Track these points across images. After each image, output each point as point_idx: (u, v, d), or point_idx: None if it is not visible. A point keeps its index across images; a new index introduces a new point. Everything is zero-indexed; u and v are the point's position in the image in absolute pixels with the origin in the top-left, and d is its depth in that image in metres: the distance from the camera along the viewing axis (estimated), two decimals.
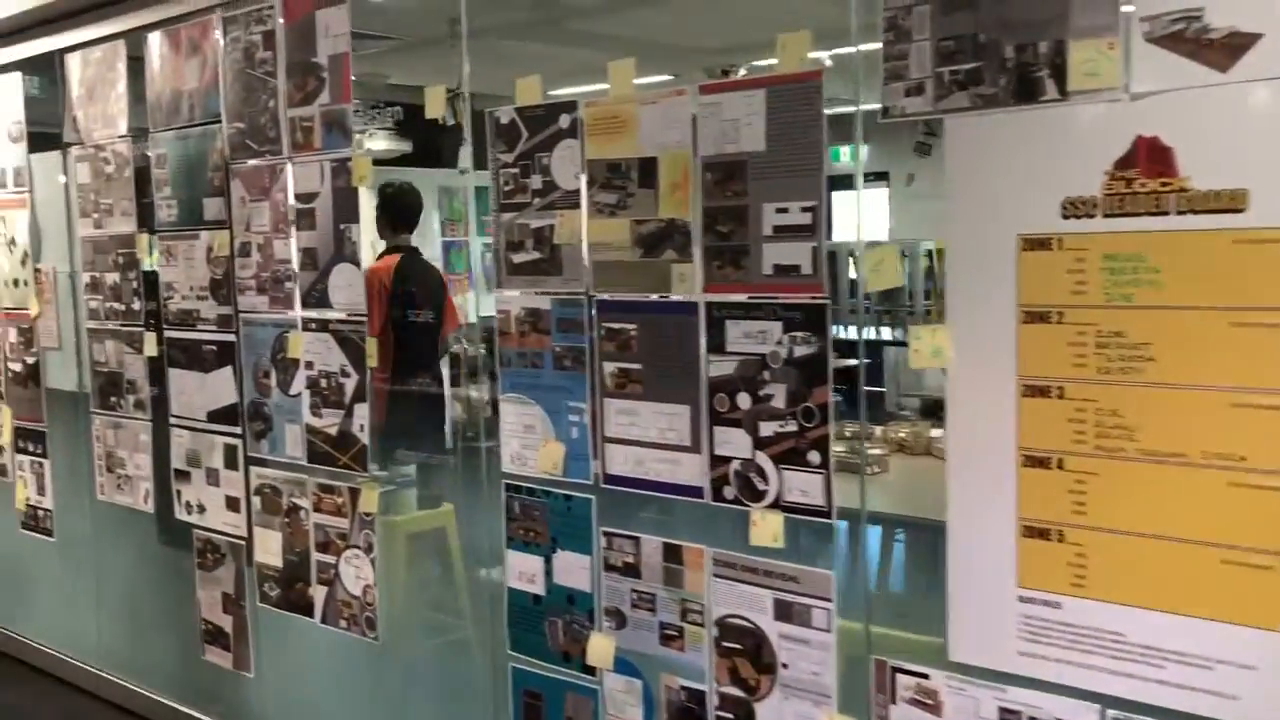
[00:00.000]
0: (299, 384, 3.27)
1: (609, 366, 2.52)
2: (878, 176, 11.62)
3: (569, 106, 2.55)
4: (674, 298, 2.38)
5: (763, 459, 2.26)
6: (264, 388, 3.39)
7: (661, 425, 2.43)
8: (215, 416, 3.58)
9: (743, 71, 5.72)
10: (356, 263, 3.08)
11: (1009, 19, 1.87)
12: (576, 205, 2.55)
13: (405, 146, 7.83)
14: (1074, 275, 1.84)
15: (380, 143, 7.61)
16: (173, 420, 3.73)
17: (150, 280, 3.77)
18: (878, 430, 3.98)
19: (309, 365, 3.24)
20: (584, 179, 2.52)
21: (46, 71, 4.15)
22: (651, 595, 2.50)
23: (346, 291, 3.10)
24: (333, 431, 3.19)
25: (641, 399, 2.46)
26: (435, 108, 2.82)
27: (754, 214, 2.23)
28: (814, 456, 2.19)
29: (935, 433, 4.18)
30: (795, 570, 2.25)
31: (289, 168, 3.22)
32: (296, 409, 3.29)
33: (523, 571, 2.75)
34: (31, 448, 4.42)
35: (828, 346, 2.15)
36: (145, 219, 3.77)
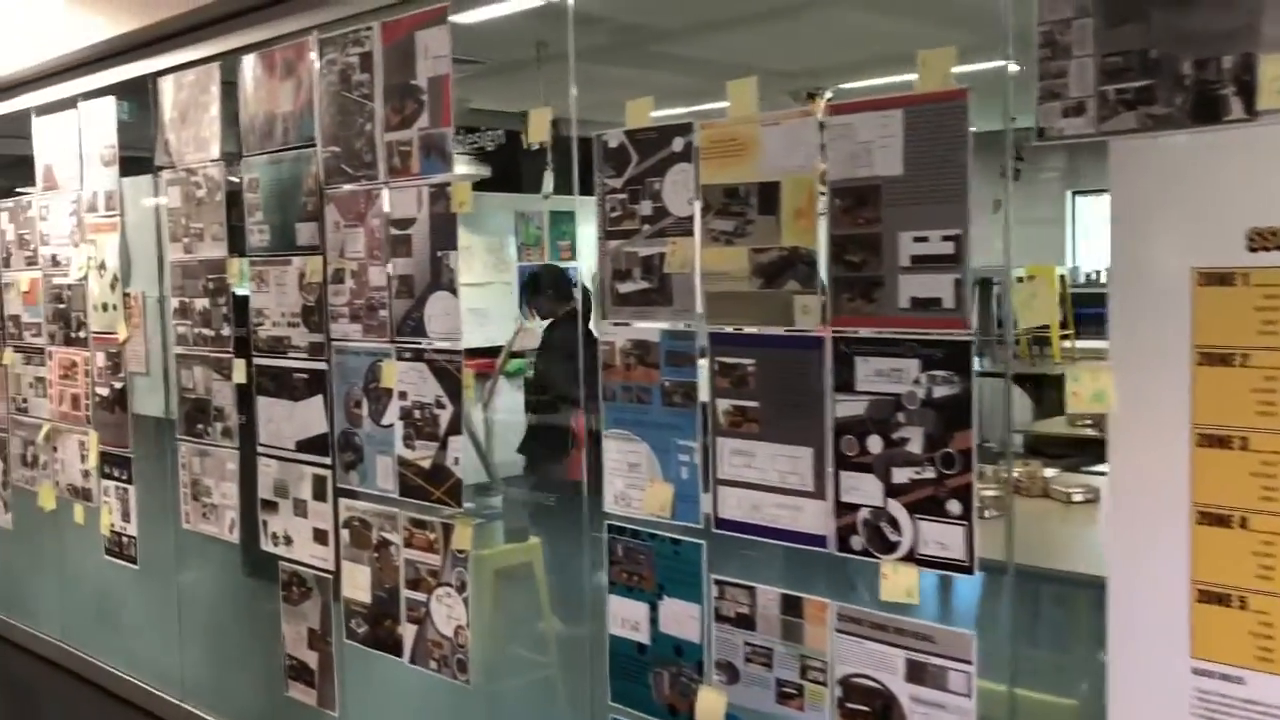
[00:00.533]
0: (391, 415, 3.17)
1: (723, 403, 2.37)
2: None
3: (683, 129, 2.42)
4: (797, 331, 2.23)
5: (896, 508, 2.09)
6: (355, 418, 3.30)
7: (781, 468, 2.28)
8: (304, 446, 3.49)
9: (829, 95, 5.58)
10: (454, 291, 2.97)
11: (1187, 32, 1.71)
12: (689, 232, 2.42)
13: (484, 171, 7.79)
14: (1262, 314, 1.66)
15: (460, 168, 7.56)
16: (260, 449, 3.66)
17: (240, 306, 3.71)
18: (988, 470, 3.78)
19: (402, 396, 3.14)
20: (698, 205, 2.39)
21: (139, 96, 4.12)
22: (768, 650, 2.34)
23: (443, 320, 3.00)
24: (426, 464, 3.08)
25: (758, 439, 2.32)
26: (539, 132, 2.72)
27: (888, 243, 2.07)
28: (954, 506, 2.02)
29: (1049, 472, 3.98)
30: (931, 629, 2.08)
31: (385, 193, 3.13)
32: (388, 440, 3.19)
33: (626, 618, 2.61)
34: (117, 473, 4.38)
35: (971, 387, 1.99)
36: (236, 244, 3.71)
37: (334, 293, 3.33)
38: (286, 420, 3.55)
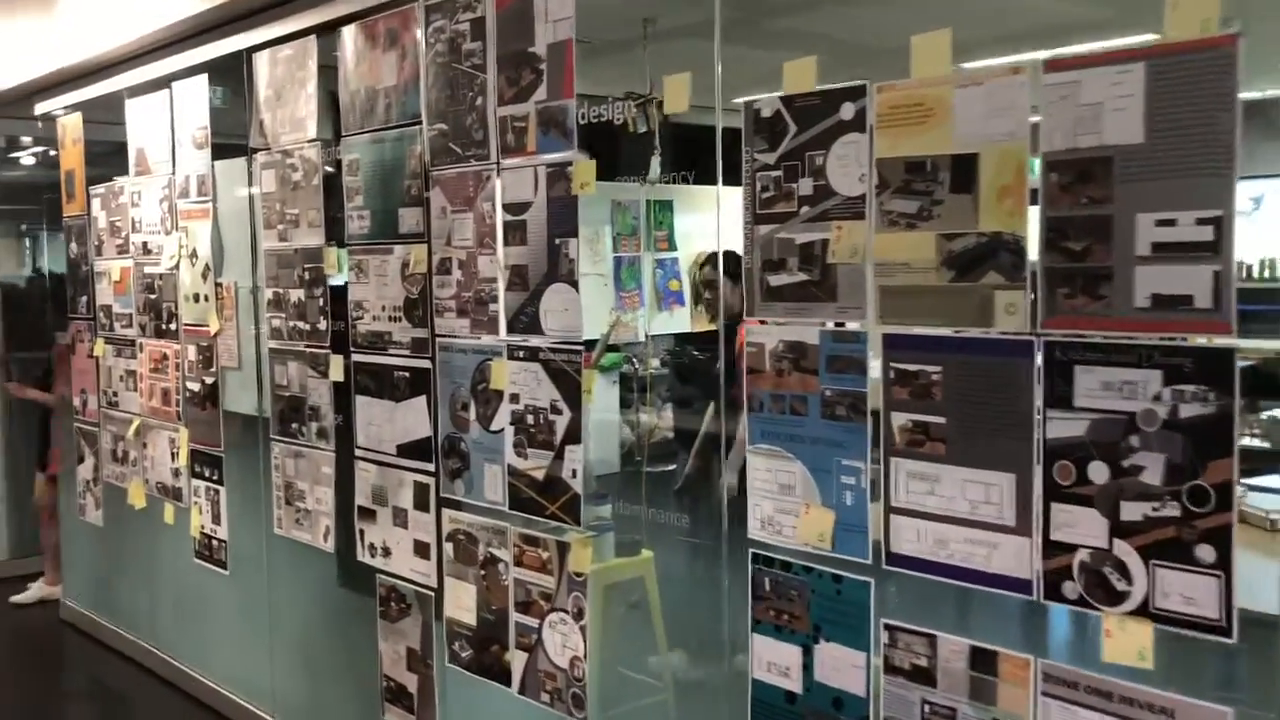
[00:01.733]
0: (502, 419, 2.87)
1: (899, 418, 2.01)
2: None
3: (855, 93, 2.06)
4: (998, 333, 1.86)
5: (1125, 550, 1.71)
6: (462, 421, 3.00)
7: (973, 496, 1.91)
8: (405, 451, 3.21)
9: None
10: (574, 283, 2.65)
11: None
12: (860, 215, 2.05)
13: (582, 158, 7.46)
14: None
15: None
16: (358, 452, 3.38)
17: (337, 298, 3.44)
18: None
19: (514, 399, 2.82)
20: (871, 182, 2.03)
21: (233, 76, 3.88)
22: (951, 710, 1.97)
23: (561, 316, 2.68)
24: (539, 475, 2.76)
25: (944, 461, 1.95)
26: (677, 101, 2.37)
27: (1122, 227, 1.69)
28: (1205, 552, 1.63)
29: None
30: (1171, 700, 1.70)
31: (497, 174, 2.82)
32: (498, 447, 2.88)
33: (773, 662, 2.26)
34: (207, 473, 4.16)
35: (1233, 405, 1.60)
36: (334, 231, 3.44)
37: (439, 285, 3.03)
38: (387, 422, 3.27)
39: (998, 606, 1.92)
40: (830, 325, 2.12)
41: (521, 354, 2.80)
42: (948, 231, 1.91)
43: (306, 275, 3.54)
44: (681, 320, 5.28)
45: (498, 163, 2.82)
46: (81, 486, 5.15)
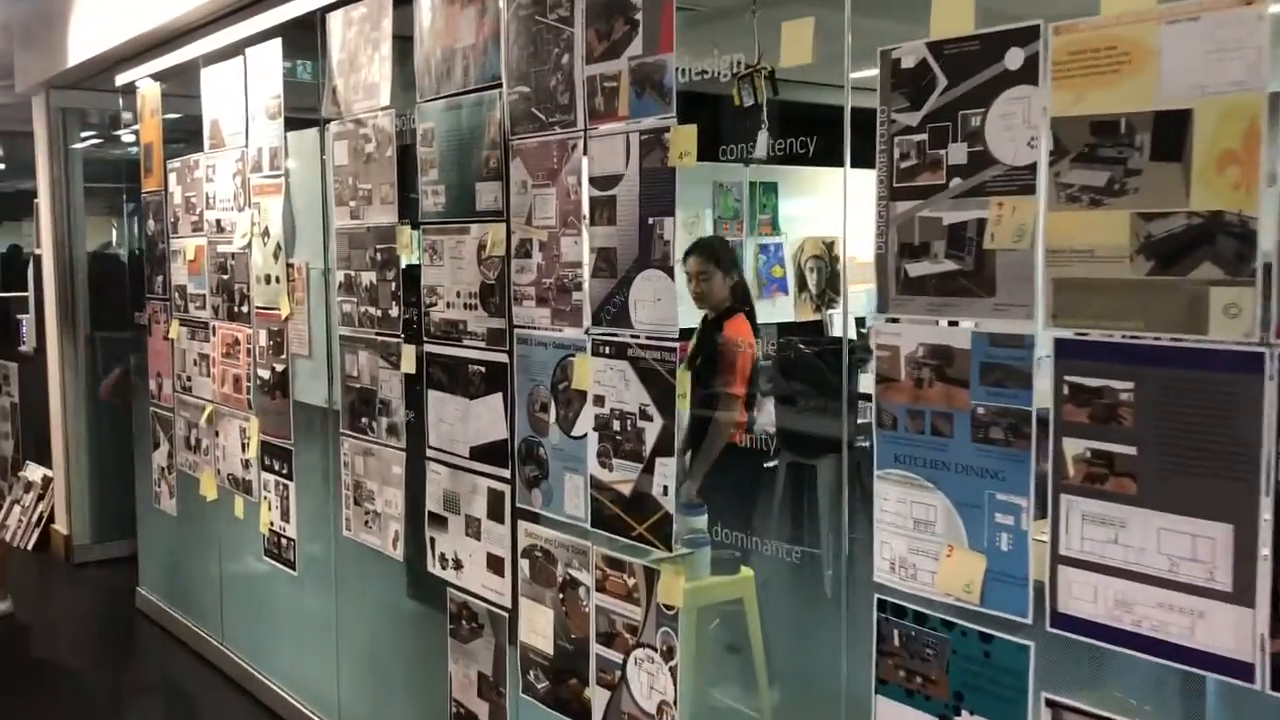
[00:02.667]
0: (585, 424, 2.51)
1: (1075, 445, 1.60)
2: None
3: (1024, 36, 1.64)
4: (1214, 343, 1.44)
5: None
6: (540, 424, 2.66)
7: (1173, 550, 1.49)
8: (480, 454, 2.88)
9: None
10: (669, 270, 2.28)
11: None
12: (1029, 189, 1.64)
13: None
14: None
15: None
16: (430, 453, 3.06)
17: (411, 281, 3.12)
18: None
19: (599, 401, 2.47)
20: (1045, 147, 1.62)
21: (308, 39, 3.58)
22: None
23: (653, 307, 2.31)
24: (625, 490, 2.40)
25: (1134, 503, 1.53)
26: (797, 50, 1.98)
27: None
28: None
29: None
30: None
31: (583, 143, 2.46)
32: (580, 455, 2.53)
33: None
34: (277, 466, 3.89)
35: None
36: (408, 208, 3.12)
37: (518, 269, 2.69)
38: (460, 421, 2.94)
39: (1203, 690, 1.50)
40: (986, 326, 1.71)
41: (608, 350, 2.44)
42: (1147, 210, 1.49)
43: (379, 257, 3.23)
44: (785, 309, 4.90)
45: (585, 130, 2.46)
46: (156, 474, 4.95)
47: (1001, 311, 1.69)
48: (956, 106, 1.73)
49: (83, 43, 5.18)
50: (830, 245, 5.98)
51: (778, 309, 4.45)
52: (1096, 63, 1.54)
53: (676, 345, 2.28)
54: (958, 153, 1.73)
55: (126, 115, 6.43)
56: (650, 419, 2.34)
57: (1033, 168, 1.63)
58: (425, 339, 3.05)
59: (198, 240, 4.36)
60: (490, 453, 2.84)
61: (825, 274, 5.85)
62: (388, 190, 3.17)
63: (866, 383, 3.36)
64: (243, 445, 4.11)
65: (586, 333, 2.50)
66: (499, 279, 2.76)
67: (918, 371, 1.80)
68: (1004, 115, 1.67)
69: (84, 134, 6.45)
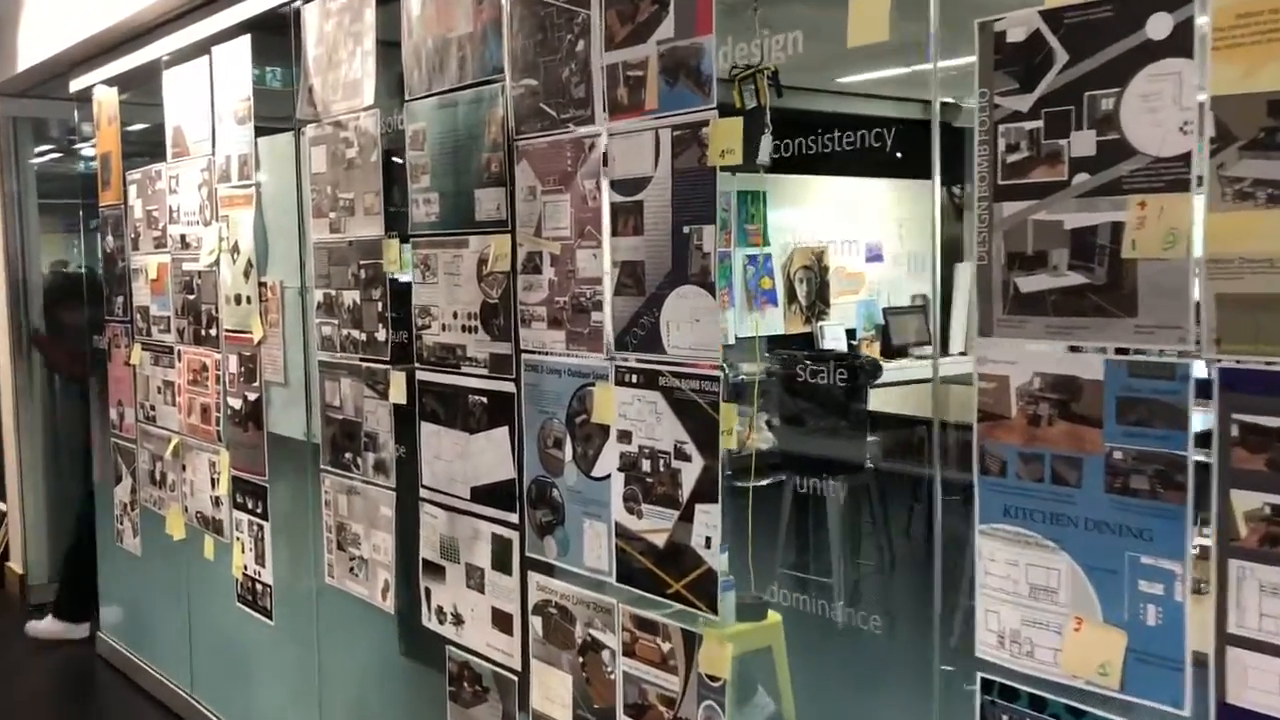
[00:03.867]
0: (607, 463, 2.20)
1: (1248, 499, 1.29)
2: None
3: None
4: None
5: None
6: (554, 462, 2.33)
7: None
8: (482, 495, 2.55)
9: None
10: (709, 286, 1.96)
11: None
12: (1181, 185, 1.34)
13: None
14: None
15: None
16: (424, 493, 2.73)
17: (400, 301, 2.79)
18: None
19: (624, 437, 2.15)
20: (1204, 134, 1.31)
21: (279, 35, 3.26)
22: None
23: (690, 330, 1.99)
24: (658, 540, 2.09)
25: None
26: (869, 28, 1.68)
27: None
28: None
29: None
30: None
31: (603, 141, 2.15)
32: (603, 499, 2.21)
33: None
34: (250, 505, 3.54)
35: None
36: (395, 220, 2.79)
37: (526, 286, 2.36)
38: (459, 458, 2.61)
39: None
40: (1124, 352, 1.41)
41: (635, 378, 2.12)
42: None
43: (363, 274, 2.89)
44: (774, 321, 4.63)
45: (605, 127, 2.14)
46: (119, 510, 4.58)
47: (1145, 334, 1.38)
48: (1081, 86, 1.43)
49: (34, 45, 4.82)
50: (820, 255, 5.69)
51: (767, 322, 4.18)
52: (1276, 27, 1.24)
53: (720, 373, 1.97)
54: (1083, 142, 1.42)
55: (86, 126, 6.09)
56: (688, 458, 2.02)
57: (1186, 158, 1.33)
58: (417, 365, 2.72)
59: (160, 258, 4.00)
60: (494, 494, 2.51)
61: (815, 285, 5.56)
62: (372, 200, 2.84)
63: (874, 400, 3.09)
64: (213, 481, 3.76)
65: (609, 358, 2.18)
66: (503, 298, 2.44)
67: (1034, 407, 1.50)
68: (1145, 96, 1.37)
69: (39, 148, 6.08)
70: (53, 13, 4.59)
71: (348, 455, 3.03)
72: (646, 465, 2.11)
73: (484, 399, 2.52)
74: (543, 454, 2.37)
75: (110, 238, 4.46)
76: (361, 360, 2.94)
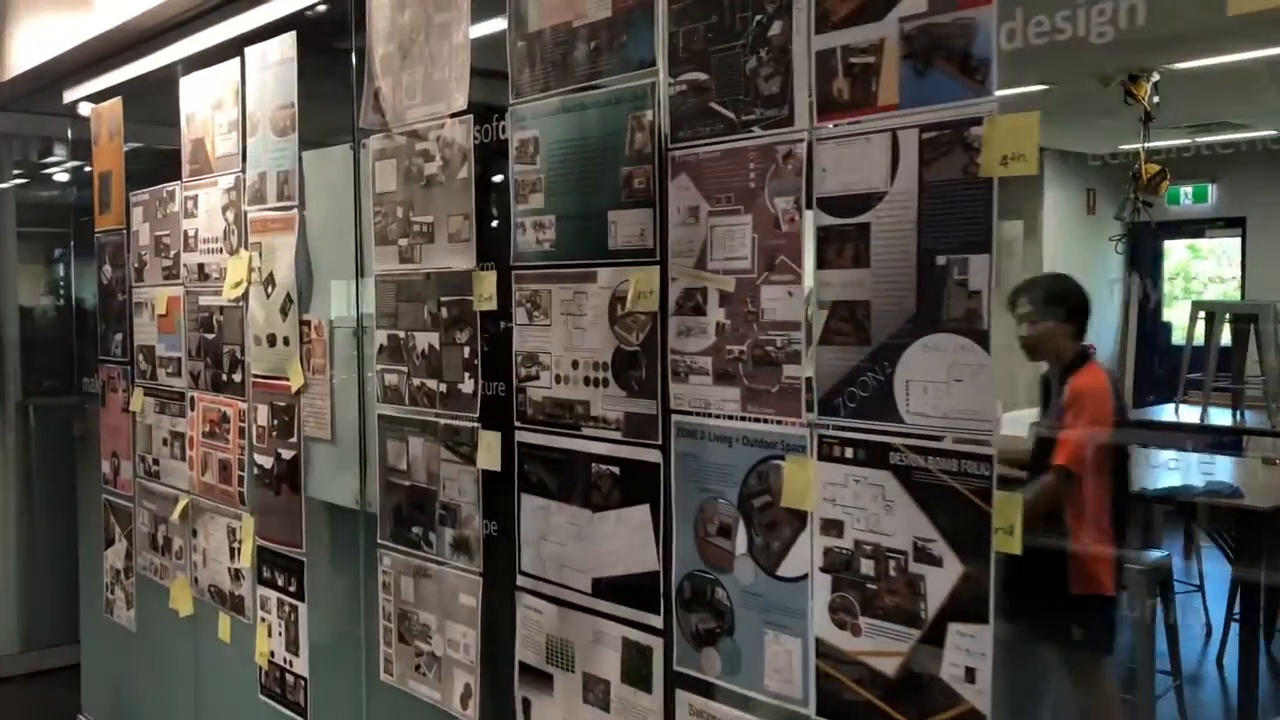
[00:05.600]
0: (800, 560, 1.71)
1: None
2: (1228, 223, 9.55)
3: None
4: None
5: None
6: (718, 555, 1.84)
7: None
8: (609, 589, 2.05)
9: (1155, 78, 3.97)
10: (978, 335, 1.49)
11: None
12: None
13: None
14: None
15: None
16: (523, 580, 2.23)
17: (495, 345, 2.30)
18: None
19: (831, 528, 1.67)
20: None
21: (330, 29, 2.78)
22: None
23: (946, 393, 1.52)
24: (886, 667, 1.60)
25: None
26: None
27: None
28: None
29: None
30: None
31: (807, 148, 1.68)
32: (794, 605, 1.72)
33: None
34: (281, 581, 3.02)
35: None
36: (491, 248, 2.31)
37: (682, 330, 1.88)
38: (576, 540, 2.11)
39: None
40: None
41: (850, 453, 1.64)
42: None
43: (445, 312, 2.40)
44: None
45: (810, 129, 1.67)
46: (109, 577, 4.02)
47: None
48: None
49: (21, 52, 4.29)
50: None
51: None
52: None
53: (992, 451, 1.49)
54: None
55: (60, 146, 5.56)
56: (935, 562, 1.54)
57: None
58: (518, 424, 2.23)
59: (171, 290, 3.48)
60: (628, 589, 2.02)
61: None
62: (460, 224, 2.35)
63: None
64: (232, 550, 3.22)
65: (808, 425, 1.70)
66: (646, 345, 1.95)
67: None
68: None
69: (15, 171, 5.55)
70: (44, 15, 4.08)
71: (416, 530, 2.52)
72: (868, 567, 1.63)
73: (614, 469, 2.03)
74: (701, 543, 1.88)
75: (108, 267, 3.93)
76: (439, 416, 2.44)
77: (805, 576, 1.72)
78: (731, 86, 1.79)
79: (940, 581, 1.54)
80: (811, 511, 1.70)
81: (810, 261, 1.69)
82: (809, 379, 1.70)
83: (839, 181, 1.64)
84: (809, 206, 1.69)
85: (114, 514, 3.98)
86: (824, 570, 1.69)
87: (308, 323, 2.87)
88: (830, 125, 1.66)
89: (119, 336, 3.87)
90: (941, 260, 1.52)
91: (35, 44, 4.16)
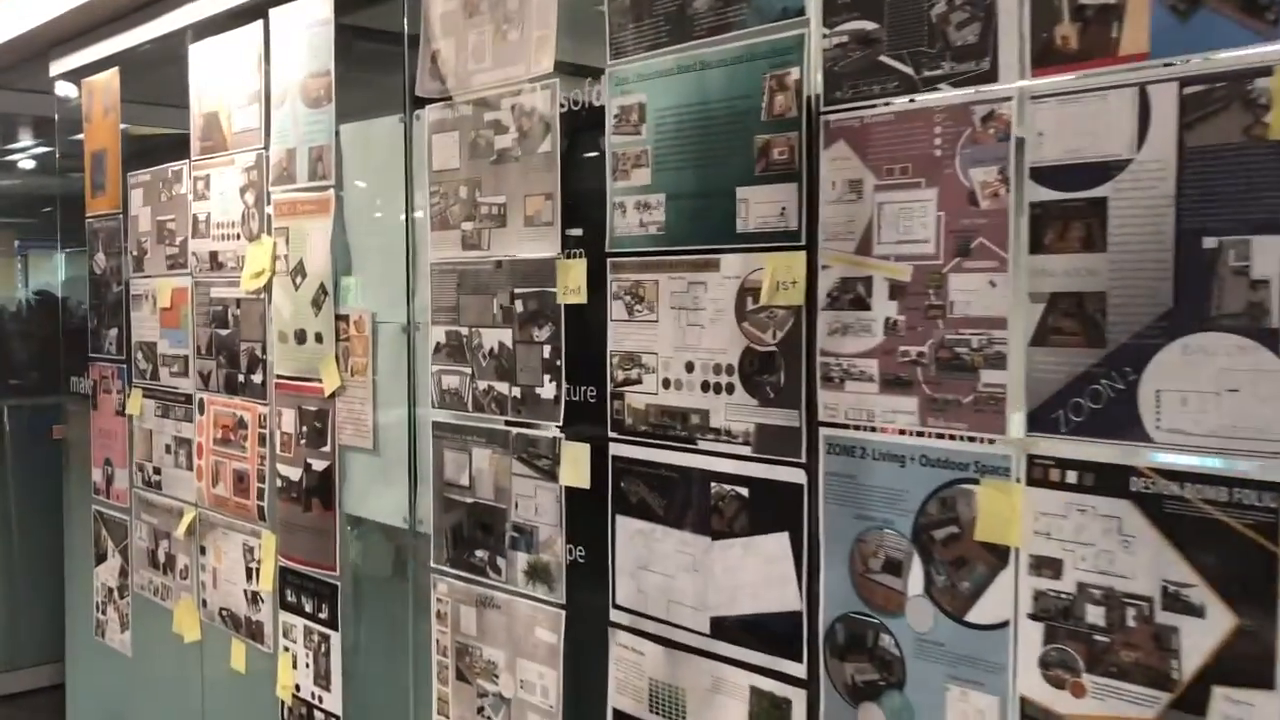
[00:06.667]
0: (998, 603, 1.42)
1: None
2: None
3: None
4: None
5: None
6: (882, 594, 1.55)
7: None
8: (733, 629, 1.75)
9: None
10: (1262, 335, 1.21)
11: None
12: None
13: None
14: None
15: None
16: (618, 616, 1.93)
17: (580, 345, 2.00)
18: None
19: (1044, 566, 1.38)
20: None
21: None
22: None
23: (1217, 407, 1.23)
24: None
25: None
26: None
27: None
28: None
29: None
30: None
31: (1016, 108, 1.39)
32: (990, 657, 1.44)
33: None
34: (310, 607, 2.69)
35: None
36: (578, 232, 2.00)
37: (836, 328, 1.59)
38: (689, 571, 1.81)
39: None
40: None
41: (1076, 477, 1.35)
42: None
43: (522, 306, 2.09)
44: None
45: (1021, 86, 1.39)
46: (101, 596, 3.67)
47: None
48: None
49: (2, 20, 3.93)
50: None
51: None
52: None
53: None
54: None
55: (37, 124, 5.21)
56: (1194, 612, 1.26)
57: None
58: (613, 435, 1.92)
59: (177, 280, 3.15)
60: (759, 630, 1.72)
61: None
62: (541, 205, 2.05)
63: None
64: (249, 571, 2.90)
65: (1014, 443, 1.41)
66: (786, 344, 1.66)
67: None
68: None
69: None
70: None
71: (480, 553, 2.21)
72: (1096, 615, 1.34)
73: (742, 490, 1.73)
74: (860, 580, 1.59)
75: (101, 255, 3.58)
76: (511, 424, 2.13)
77: (1006, 624, 1.43)
78: (911, 36, 1.50)
79: (1201, 636, 1.26)
80: (1017, 547, 1.41)
81: (1020, 245, 1.40)
82: (1015, 387, 1.41)
83: (1062, 148, 1.36)
84: (1018, 178, 1.40)
85: (106, 527, 3.63)
86: (1034, 617, 1.40)
87: (345, 317, 2.55)
88: (1050, 80, 1.37)
89: (114, 332, 3.52)
90: (1211, 243, 1.24)
91: (16, 10, 3.79)
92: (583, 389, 2.00)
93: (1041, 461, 1.39)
